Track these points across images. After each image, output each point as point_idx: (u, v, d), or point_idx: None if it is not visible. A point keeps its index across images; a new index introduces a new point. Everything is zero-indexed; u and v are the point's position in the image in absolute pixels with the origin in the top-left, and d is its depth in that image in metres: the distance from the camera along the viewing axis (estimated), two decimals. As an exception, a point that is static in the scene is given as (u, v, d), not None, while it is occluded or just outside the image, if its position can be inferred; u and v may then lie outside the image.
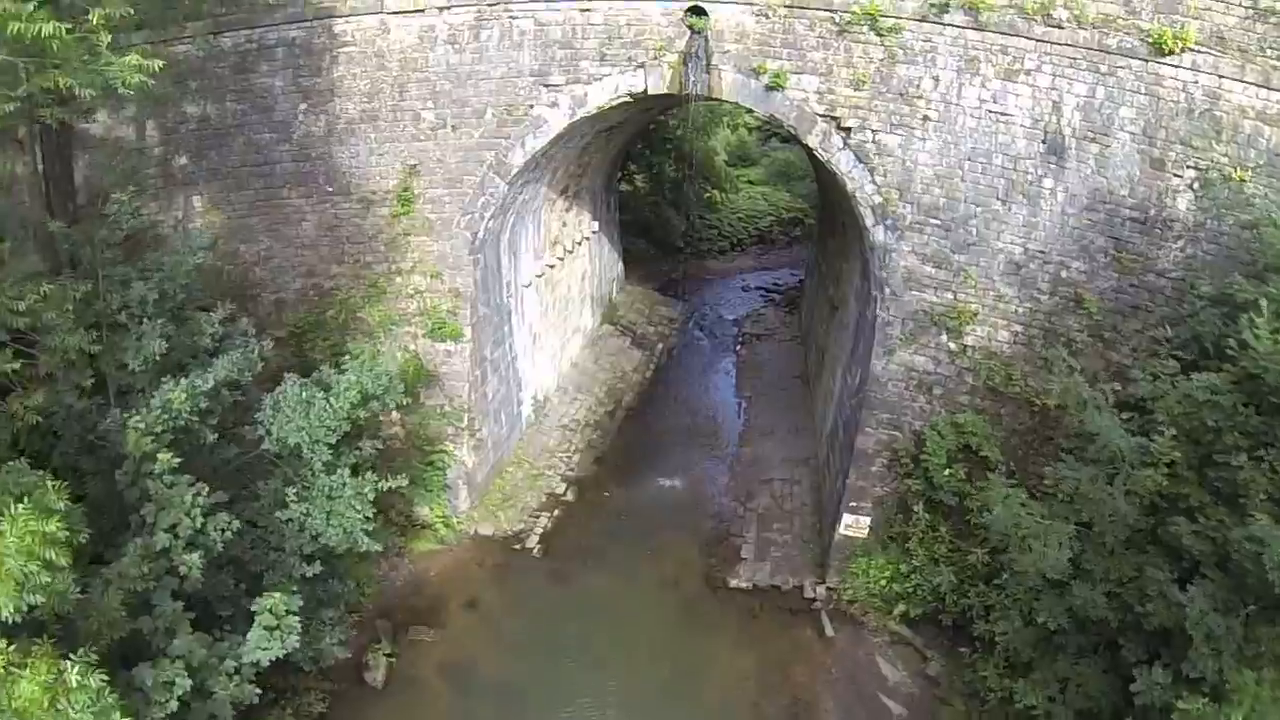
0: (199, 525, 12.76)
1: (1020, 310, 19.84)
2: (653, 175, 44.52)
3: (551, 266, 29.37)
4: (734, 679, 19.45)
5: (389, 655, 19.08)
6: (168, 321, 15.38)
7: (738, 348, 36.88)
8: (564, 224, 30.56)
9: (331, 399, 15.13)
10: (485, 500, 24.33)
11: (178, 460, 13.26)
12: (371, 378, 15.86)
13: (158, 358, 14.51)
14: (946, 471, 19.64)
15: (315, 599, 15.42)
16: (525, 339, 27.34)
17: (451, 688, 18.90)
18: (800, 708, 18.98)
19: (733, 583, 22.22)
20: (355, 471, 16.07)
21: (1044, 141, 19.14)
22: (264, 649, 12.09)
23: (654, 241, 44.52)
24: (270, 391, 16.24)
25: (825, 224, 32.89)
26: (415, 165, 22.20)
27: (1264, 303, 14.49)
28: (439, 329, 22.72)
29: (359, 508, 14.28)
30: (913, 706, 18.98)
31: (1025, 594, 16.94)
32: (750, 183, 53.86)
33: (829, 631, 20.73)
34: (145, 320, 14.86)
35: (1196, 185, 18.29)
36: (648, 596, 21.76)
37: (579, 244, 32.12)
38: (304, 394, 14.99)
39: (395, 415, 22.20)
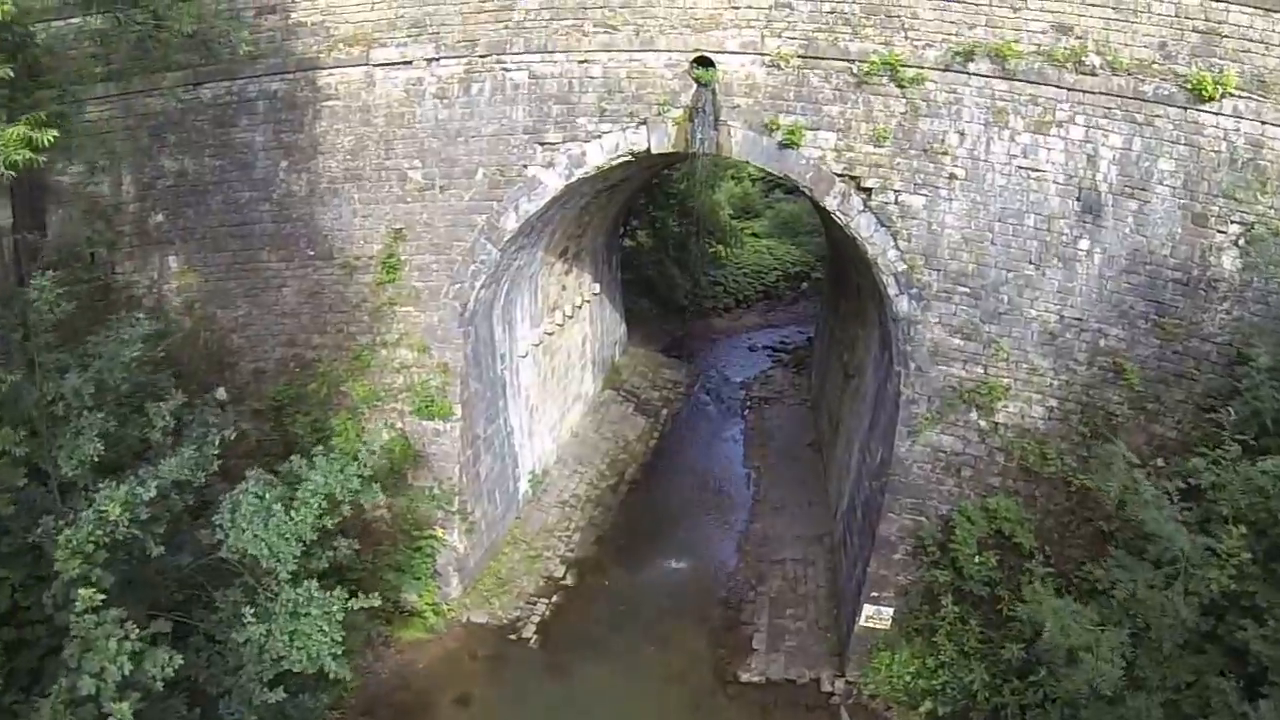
0: (127, 672, 11.10)
1: (1056, 383, 18.33)
2: (656, 231, 43.33)
3: (550, 334, 27.89)
4: None
5: (374, 762, 17.39)
6: (109, 415, 13.84)
7: (745, 412, 35.30)
8: (563, 288, 29.16)
9: (293, 511, 13.50)
10: (478, 585, 22.67)
11: (111, 580, 11.69)
12: (341, 480, 14.21)
13: (94, 459, 12.95)
14: (977, 560, 17.99)
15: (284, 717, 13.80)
16: (521, 413, 25.74)
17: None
18: None
19: (744, 676, 20.42)
20: (327, 575, 14.55)
21: (1079, 199, 17.79)
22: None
23: (657, 300, 43.24)
24: (234, 487, 14.63)
25: (836, 283, 31.47)
26: (401, 229, 20.87)
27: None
28: (427, 407, 21.17)
29: (326, 629, 12.63)
30: None
31: (1066, 694, 15.27)
32: (754, 235, 52.78)
33: None
34: (85, 413, 13.29)
35: (1242, 241, 17.00)
36: (653, 692, 20.02)
37: (579, 308, 30.69)
38: (263, 501, 13.36)
39: (381, 498, 20.73)
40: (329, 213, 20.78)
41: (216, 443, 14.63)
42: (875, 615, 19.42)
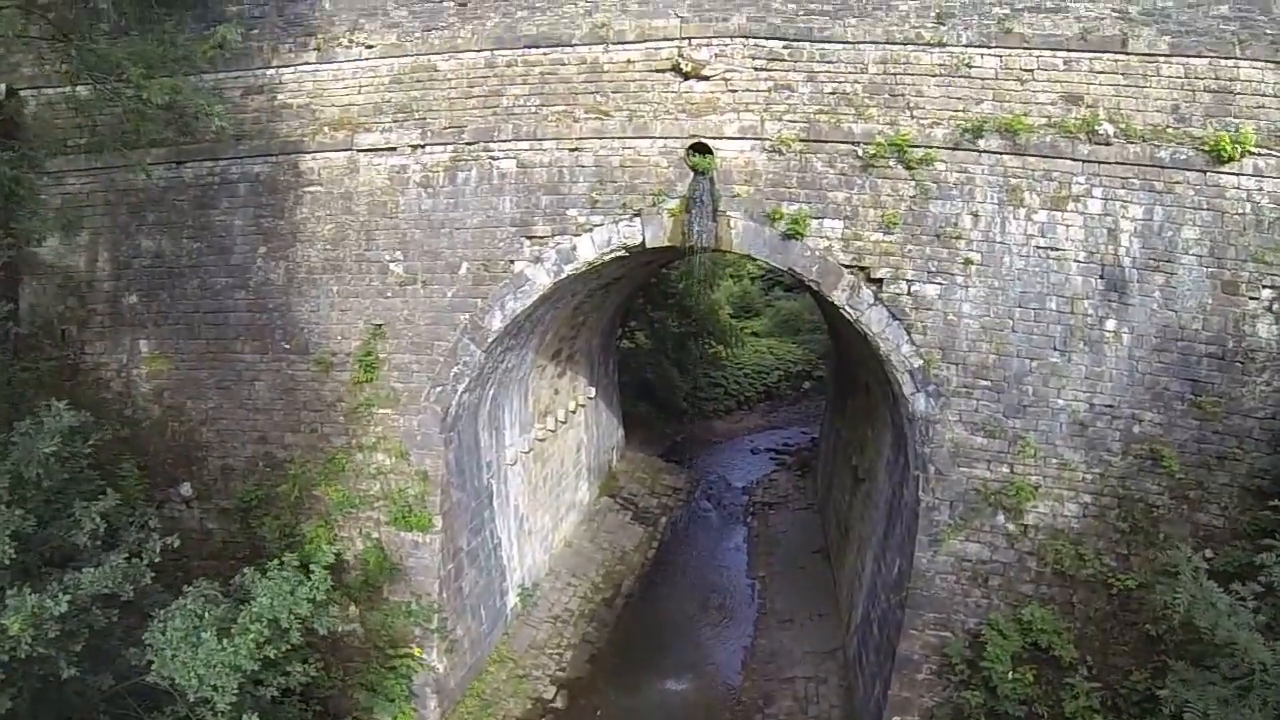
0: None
1: (1089, 477, 16.80)
2: (654, 332, 42.23)
3: (541, 440, 26.31)
4: None
5: None
6: (28, 513, 12.26)
7: (748, 519, 33.54)
8: (556, 391, 27.71)
9: (226, 640, 11.77)
10: (459, 708, 20.67)
11: (8, 705, 9.92)
12: (289, 604, 12.50)
13: (5, 562, 11.30)
14: (1011, 677, 16.21)
15: None
16: (510, 523, 24.00)
17: None
18: None
19: (756, 816, 18.35)
20: (288, 694, 12.76)
21: (1102, 276, 16.65)
22: None
23: (656, 403, 41.97)
24: (178, 598, 12.96)
25: (842, 381, 30.04)
26: (381, 325, 19.63)
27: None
28: (405, 517, 19.55)
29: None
30: None
31: None
32: (755, 335, 52.18)
33: None
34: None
35: (1276, 306, 15.97)
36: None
37: (573, 412, 29.20)
38: (199, 622, 11.64)
39: (353, 611, 19.21)
40: (306, 304, 19.79)
41: (156, 549, 12.98)
42: (899, 744, 17.47)
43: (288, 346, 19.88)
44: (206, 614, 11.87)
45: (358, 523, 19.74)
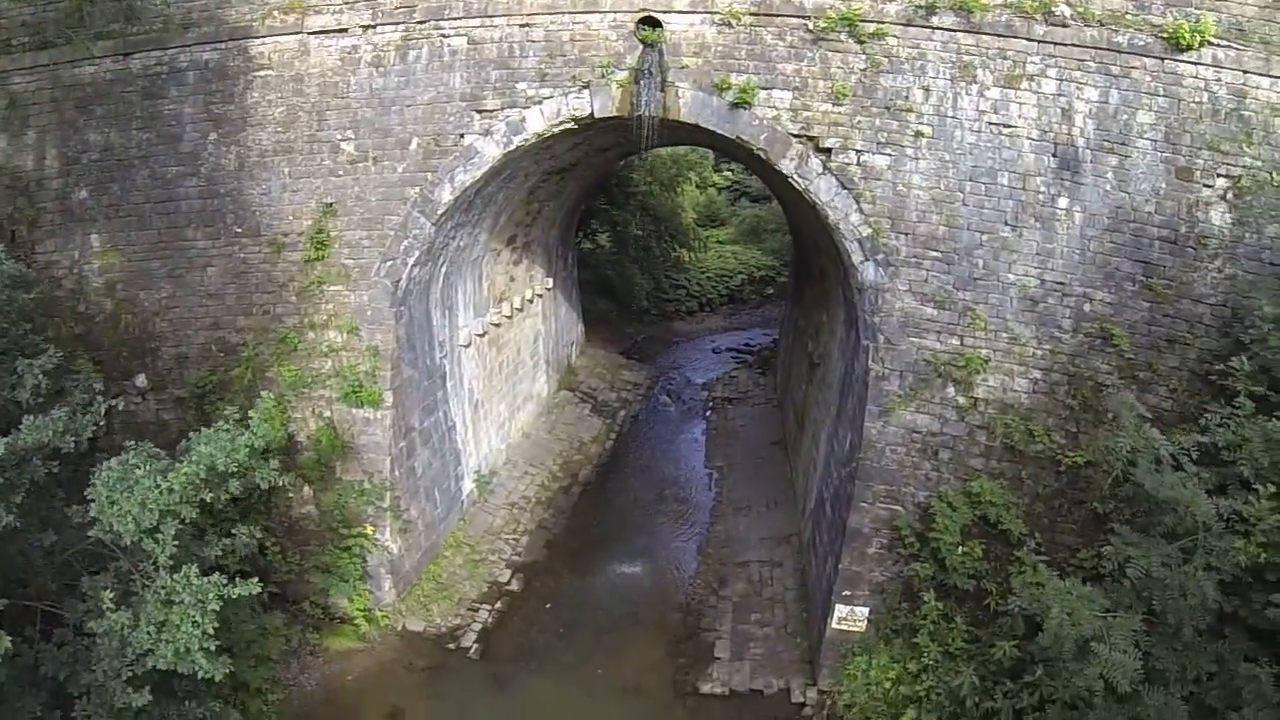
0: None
1: (1039, 353, 16.81)
2: (616, 233, 41.88)
3: (497, 325, 26.11)
4: None
5: (291, 784, 15.49)
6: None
7: (708, 414, 33.71)
8: (511, 279, 27.45)
9: (160, 477, 11.58)
10: (415, 590, 20.78)
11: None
12: (225, 450, 12.30)
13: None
14: (960, 550, 16.36)
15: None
16: (465, 407, 23.91)
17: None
18: None
19: (705, 688, 18.54)
20: (243, 576, 12.68)
21: (1055, 155, 16.54)
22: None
23: (617, 302, 41.90)
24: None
25: (800, 273, 30.02)
26: (332, 203, 19.35)
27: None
28: (355, 393, 19.41)
29: (198, 620, 10.70)
30: None
31: (1073, 694, 13.42)
32: (720, 243, 51.58)
33: None
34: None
35: (1230, 195, 15.91)
36: (606, 707, 18.18)
37: (530, 301, 28.99)
38: (130, 471, 11.44)
39: (307, 492, 19.34)
40: (258, 187, 19.49)
41: (101, 411, 12.75)
42: (849, 616, 17.64)
43: (239, 230, 19.61)
44: (147, 465, 11.67)
45: (310, 402, 19.59)
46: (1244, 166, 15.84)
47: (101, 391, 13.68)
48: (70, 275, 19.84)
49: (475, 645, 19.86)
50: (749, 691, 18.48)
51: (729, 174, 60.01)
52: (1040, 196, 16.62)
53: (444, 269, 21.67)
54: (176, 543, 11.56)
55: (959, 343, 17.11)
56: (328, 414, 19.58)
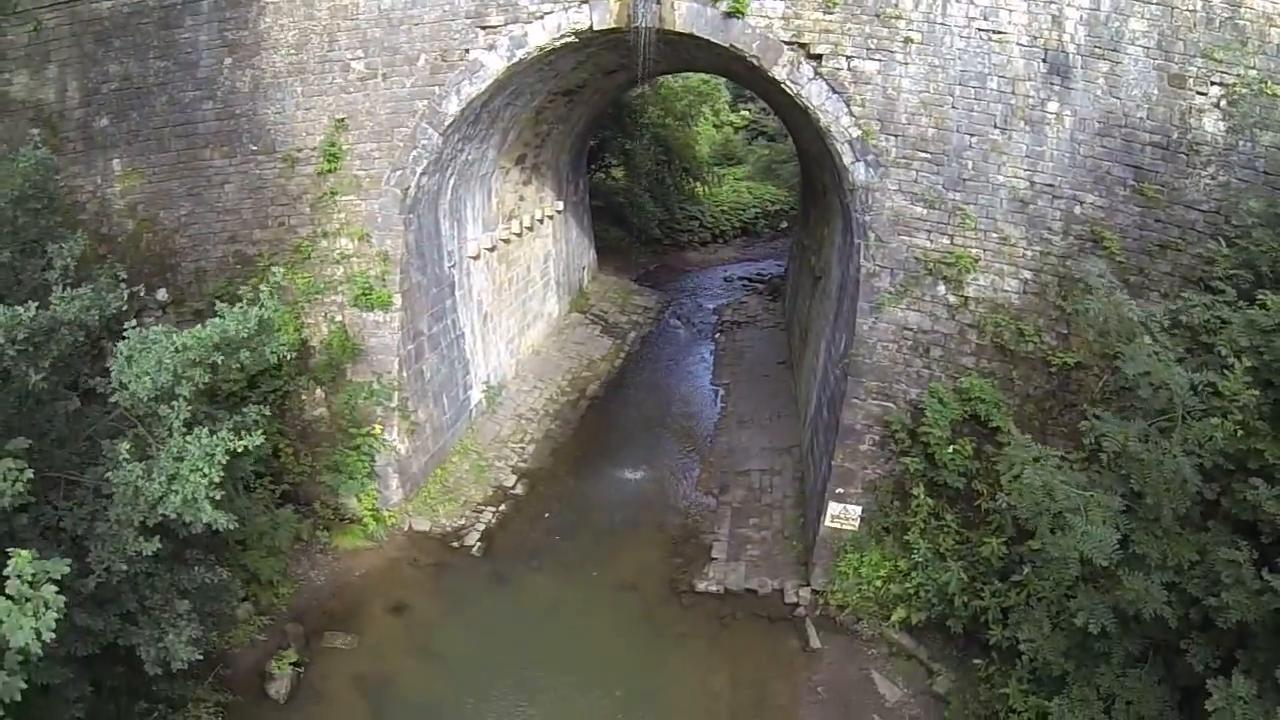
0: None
1: (1030, 254, 17.12)
2: (628, 163, 42.13)
3: (506, 241, 26.64)
4: (701, 700, 16.10)
5: (296, 664, 16.13)
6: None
7: (716, 336, 34.26)
8: (521, 198, 27.93)
9: (175, 337, 12.20)
10: (422, 492, 21.45)
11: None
12: (238, 317, 12.90)
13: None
14: (951, 449, 16.71)
15: (172, 586, 12.47)
16: (473, 317, 24.51)
17: (365, 704, 15.80)
18: None
19: (700, 586, 19.05)
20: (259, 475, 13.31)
21: (1045, 60, 16.74)
22: (18, 629, 8.97)
23: (630, 231, 42.38)
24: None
25: (806, 196, 30.47)
26: (343, 119, 19.95)
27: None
28: (365, 295, 20.08)
29: (205, 470, 11.34)
30: None
31: (1053, 590, 13.70)
32: (736, 179, 51.70)
33: (815, 643, 17.35)
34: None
35: (1224, 103, 15.97)
36: (602, 603, 18.74)
37: (540, 222, 29.49)
38: (143, 337, 12.03)
39: (319, 394, 20.02)
40: (272, 107, 20.08)
41: (125, 295, 13.32)
42: (842, 514, 18.06)
43: (255, 148, 20.20)
44: (165, 334, 12.25)
45: (323, 308, 20.25)
46: (1238, 75, 15.91)
47: (125, 279, 14.19)
48: (94, 199, 20.46)
49: (478, 544, 20.46)
50: (743, 591, 18.91)
51: (746, 113, 60.02)
52: (1030, 100, 16.82)
53: (452, 180, 22.18)
54: (190, 407, 12.16)
55: (949, 242, 17.44)
56: (339, 318, 20.23)
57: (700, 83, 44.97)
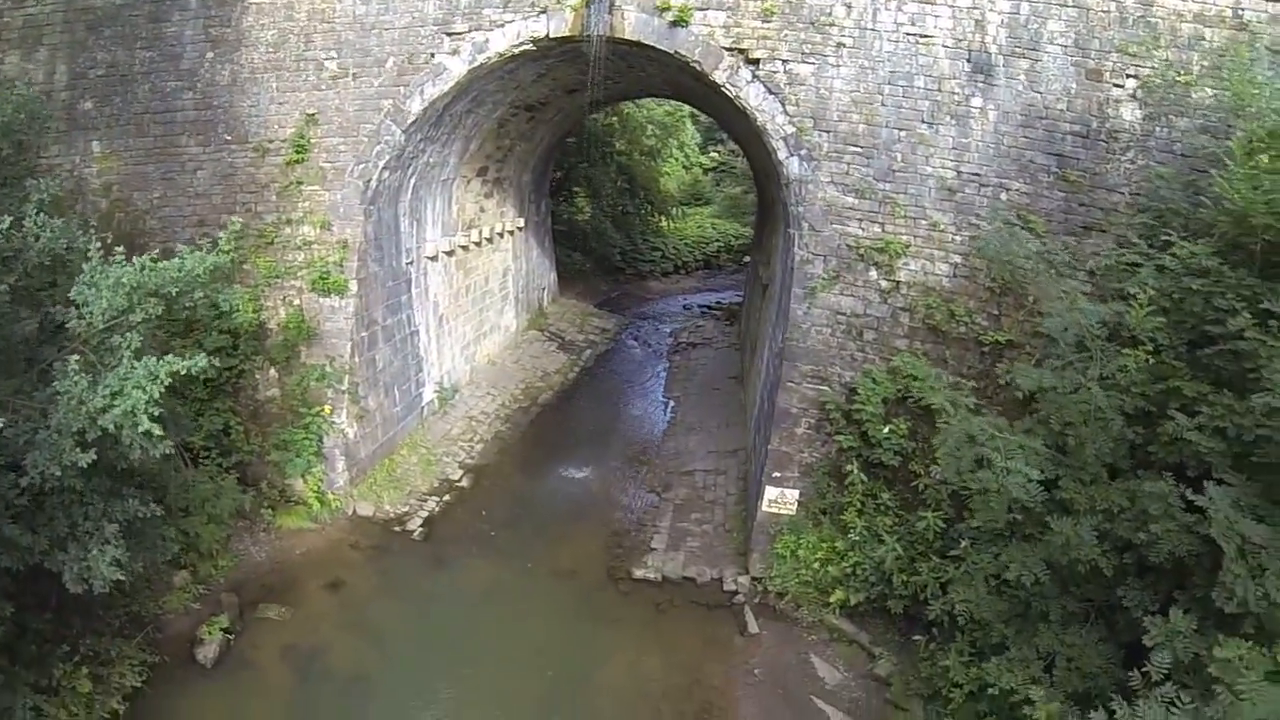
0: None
1: (959, 239, 17.81)
2: (593, 190, 42.96)
3: (465, 248, 27.26)
4: (632, 681, 16.21)
5: (226, 631, 16.33)
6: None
7: (672, 355, 34.85)
8: (482, 209, 28.59)
9: (131, 266, 12.78)
10: (369, 479, 21.74)
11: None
12: (197, 259, 13.58)
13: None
14: (886, 429, 17.18)
15: (104, 515, 12.70)
16: (429, 317, 25.06)
17: (292, 673, 15.97)
18: (713, 714, 15.48)
19: (638, 574, 19.29)
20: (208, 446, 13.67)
21: (969, 60, 17.63)
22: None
23: (592, 257, 43.07)
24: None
25: (761, 214, 31.29)
26: (314, 114, 20.98)
27: (1233, 144, 12.89)
28: (322, 280, 20.78)
29: (147, 388, 11.69)
30: (857, 712, 15.42)
31: (989, 558, 13.92)
32: (703, 218, 52.69)
33: (753, 628, 17.50)
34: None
35: (1140, 93, 16.93)
36: (539, 588, 18.95)
37: (500, 236, 30.19)
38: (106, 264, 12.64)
39: (273, 374, 20.59)
40: (247, 100, 21.08)
41: (93, 239, 13.75)
42: (779, 498, 18.41)
43: (229, 138, 21.13)
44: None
45: (282, 291, 20.92)
46: (1152, 68, 16.82)
47: (96, 226, 14.77)
48: (70, 177, 21.01)
49: (420, 529, 20.74)
50: (681, 579, 19.14)
51: (716, 154, 61.24)
52: (955, 97, 17.69)
53: (413, 180, 22.94)
54: (140, 340, 12.58)
55: (880, 229, 18.12)
56: (297, 302, 20.85)
57: (665, 114, 46.06)
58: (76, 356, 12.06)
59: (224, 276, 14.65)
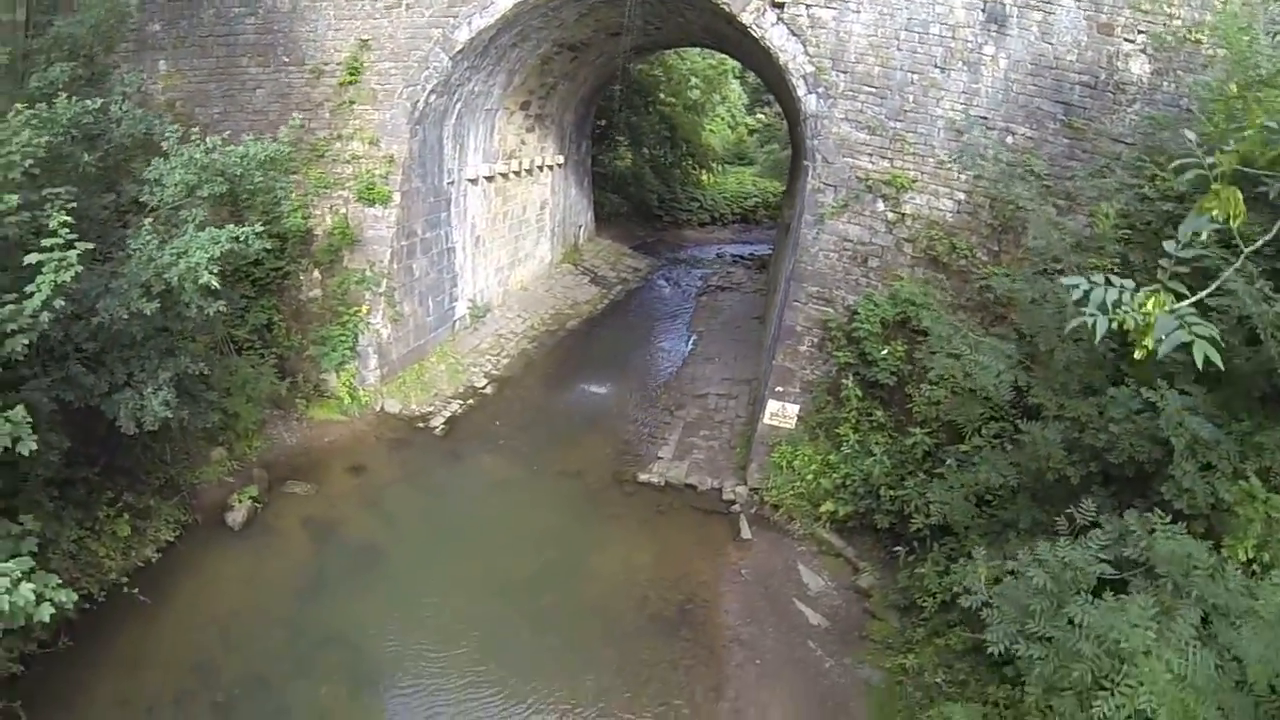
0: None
1: (964, 177, 18.80)
2: (635, 138, 44.01)
3: (505, 176, 28.63)
4: (624, 570, 17.26)
5: (255, 500, 17.85)
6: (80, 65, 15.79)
7: (700, 296, 36.02)
8: (523, 142, 29.84)
9: (208, 145, 14.81)
10: (398, 379, 23.23)
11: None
12: (259, 145, 15.54)
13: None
14: (884, 350, 18.18)
15: (159, 368, 14.19)
16: (466, 235, 26.46)
17: (311, 540, 17.41)
18: (696, 605, 16.38)
19: (642, 478, 20.48)
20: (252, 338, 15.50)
21: (984, 10, 18.49)
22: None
23: (630, 201, 44.13)
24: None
25: (793, 164, 32.09)
26: (368, 40, 22.42)
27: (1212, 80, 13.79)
28: (368, 191, 22.26)
29: (208, 248, 13.21)
30: (836, 618, 16.16)
31: (970, 477, 14.57)
32: (744, 177, 53.59)
33: (745, 534, 18.47)
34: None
35: (1150, 49, 17.68)
36: (547, 484, 20.23)
37: (540, 169, 31.45)
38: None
39: (316, 276, 22.05)
40: (306, 25, 22.53)
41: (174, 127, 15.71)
42: (780, 412, 19.51)
43: (287, 60, 22.61)
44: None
45: (330, 201, 22.40)
46: (1164, 24, 17.60)
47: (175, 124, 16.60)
48: (138, 93, 22.09)
49: (442, 427, 22.17)
50: (683, 485, 20.28)
51: (762, 116, 61.96)
52: (968, 45, 18.61)
53: (458, 106, 24.29)
54: (204, 214, 14.30)
55: (889, 164, 19.18)
56: (343, 211, 22.34)
57: (709, 67, 46.94)
58: (150, 220, 13.65)
59: (281, 166, 16.14)
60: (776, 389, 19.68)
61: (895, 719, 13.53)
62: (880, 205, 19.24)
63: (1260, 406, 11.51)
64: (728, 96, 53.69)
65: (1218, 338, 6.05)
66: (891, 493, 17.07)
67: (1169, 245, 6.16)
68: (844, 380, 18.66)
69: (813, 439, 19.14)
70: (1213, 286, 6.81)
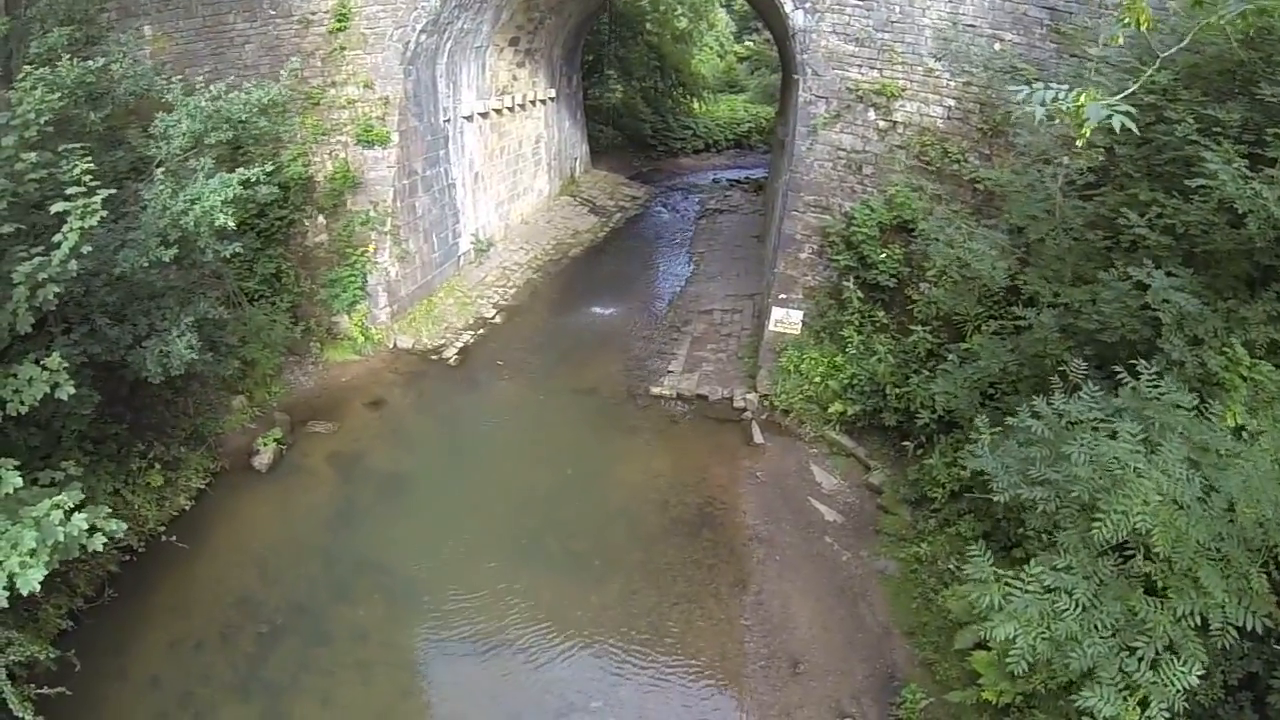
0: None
1: (953, 84, 19.12)
2: (624, 70, 44.06)
3: (499, 112, 28.97)
4: (643, 478, 17.99)
5: (279, 442, 18.44)
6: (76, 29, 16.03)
7: (699, 220, 36.43)
8: (514, 77, 30.11)
9: (212, 92, 15.43)
10: (408, 315, 23.82)
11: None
12: (262, 89, 16.13)
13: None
14: (883, 254, 18.62)
15: (180, 316, 14.74)
16: (465, 172, 26.89)
17: (337, 474, 18.05)
18: (715, 507, 17.11)
19: (655, 391, 21.17)
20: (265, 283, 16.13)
21: (969, -85, 18.60)
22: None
23: (624, 133, 44.36)
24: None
25: (785, 86, 32.28)
26: None
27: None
28: (367, 133, 22.53)
29: (219, 193, 13.73)
30: (850, 514, 16.87)
31: (972, 370, 14.99)
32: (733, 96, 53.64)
33: (758, 439, 19.16)
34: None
35: None
36: (562, 402, 20.93)
37: (532, 104, 31.73)
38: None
39: (321, 221, 22.32)
40: None
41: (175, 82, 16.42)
42: (784, 319, 20.08)
43: (273, 13, 22.55)
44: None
45: (329, 147, 22.65)
46: (1155, -74, 17.82)
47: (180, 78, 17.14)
48: (126, 59, 22.49)
49: (456, 357, 22.85)
50: (695, 396, 20.94)
51: (750, 44, 61.76)
52: (954, -50, 18.75)
53: (449, 45, 24.53)
54: (212, 163, 14.76)
55: (878, 74, 19.51)
56: (343, 155, 22.60)
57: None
58: (162, 169, 14.13)
59: (282, 110, 16.51)
60: (780, 296, 20.21)
61: (911, 604, 14.30)
62: (871, 114, 19.59)
63: (1244, 286, 11.98)
64: (715, 24, 53.58)
65: (1134, 114, 6.97)
66: (897, 390, 17.62)
67: (1093, 50, 7.16)
68: (845, 283, 19.12)
69: (818, 343, 19.69)
70: (1134, 86, 8.45)
